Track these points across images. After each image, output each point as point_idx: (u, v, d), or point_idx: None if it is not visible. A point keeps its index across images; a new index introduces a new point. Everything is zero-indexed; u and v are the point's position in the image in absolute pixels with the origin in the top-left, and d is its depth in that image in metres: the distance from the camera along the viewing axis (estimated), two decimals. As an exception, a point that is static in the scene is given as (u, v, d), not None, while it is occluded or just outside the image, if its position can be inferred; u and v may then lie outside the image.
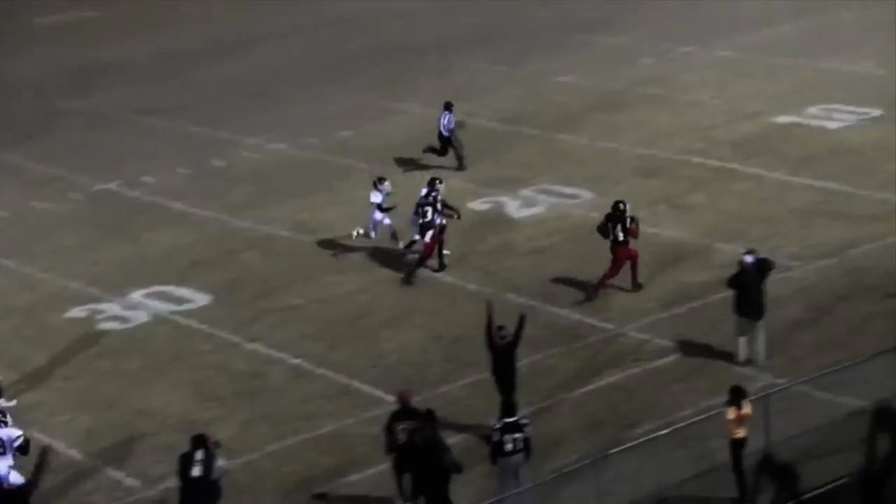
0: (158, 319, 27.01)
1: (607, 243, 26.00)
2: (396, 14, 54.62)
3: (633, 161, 33.91)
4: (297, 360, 24.71)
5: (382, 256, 29.00)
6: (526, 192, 32.37)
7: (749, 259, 23.19)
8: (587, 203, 31.24)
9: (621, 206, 26.13)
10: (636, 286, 26.36)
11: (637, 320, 25.08)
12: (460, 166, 34.07)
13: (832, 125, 35.34)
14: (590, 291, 26.25)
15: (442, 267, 28.07)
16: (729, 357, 23.05)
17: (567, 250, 28.69)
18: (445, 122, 34.23)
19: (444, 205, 28.21)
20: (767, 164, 32.76)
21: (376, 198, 29.07)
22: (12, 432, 19.82)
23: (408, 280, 27.74)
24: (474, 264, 28.36)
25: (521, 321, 21.06)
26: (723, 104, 37.76)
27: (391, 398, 20.94)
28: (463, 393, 22.66)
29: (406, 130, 38.08)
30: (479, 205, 31.67)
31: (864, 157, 32.64)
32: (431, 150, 34.42)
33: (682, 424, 19.96)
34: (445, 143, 34.29)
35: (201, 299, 27.73)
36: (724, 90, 39.19)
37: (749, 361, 22.86)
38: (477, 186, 32.86)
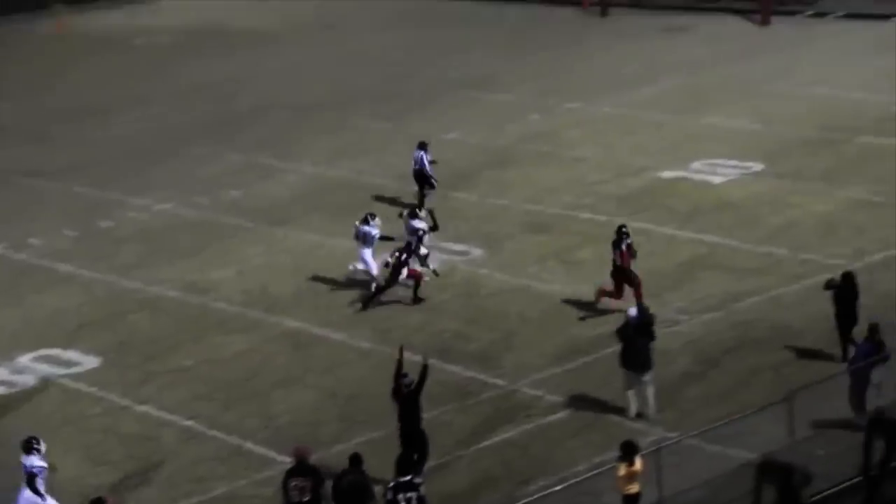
0: (46, 383, 26.64)
1: (496, 298, 26.21)
2: (280, 72, 54.73)
3: (523, 217, 34.19)
4: (188, 422, 24.48)
5: (275, 314, 28.92)
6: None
7: (633, 312, 23.53)
8: (477, 259, 31.44)
9: (623, 229, 27.55)
10: (603, 295, 27.63)
11: (529, 376, 25.20)
12: (420, 204, 33.78)
13: (716, 179, 35.91)
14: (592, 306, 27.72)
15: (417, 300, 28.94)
16: (621, 411, 23.24)
17: (458, 307, 28.81)
18: (419, 158, 34.97)
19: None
20: (654, 218, 33.20)
21: (374, 231, 29.71)
22: None
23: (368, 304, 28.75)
24: (366, 321, 28.36)
25: (425, 369, 21.19)
26: (609, 160, 38.25)
27: (284, 459, 20.82)
28: (358, 451, 22.55)
29: (295, 189, 38.11)
30: (362, 265, 31.62)
31: (747, 211, 33.21)
32: (420, 199, 34.53)
33: (576, 480, 20.08)
34: (422, 179, 34.91)
35: (90, 362, 27.40)
36: (610, 146, 39.71)
37: (640, 415, 23.07)
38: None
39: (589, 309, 27.89)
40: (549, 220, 33.81)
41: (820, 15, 58.20)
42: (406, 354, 21.52)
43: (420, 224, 30.08)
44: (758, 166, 36.61)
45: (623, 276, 27.45)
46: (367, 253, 29.77)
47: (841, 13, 57.91)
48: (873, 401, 21.75)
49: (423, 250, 29.67)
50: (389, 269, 29.00)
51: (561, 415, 23.64)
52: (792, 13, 58.76)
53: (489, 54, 54.95)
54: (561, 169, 38.02)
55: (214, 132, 45.52)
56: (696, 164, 37.09)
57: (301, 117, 46.63)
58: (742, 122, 41.19)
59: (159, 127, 46.84)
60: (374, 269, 29.62)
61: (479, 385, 25.00)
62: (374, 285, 29.46)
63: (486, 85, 49.35)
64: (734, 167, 36.68)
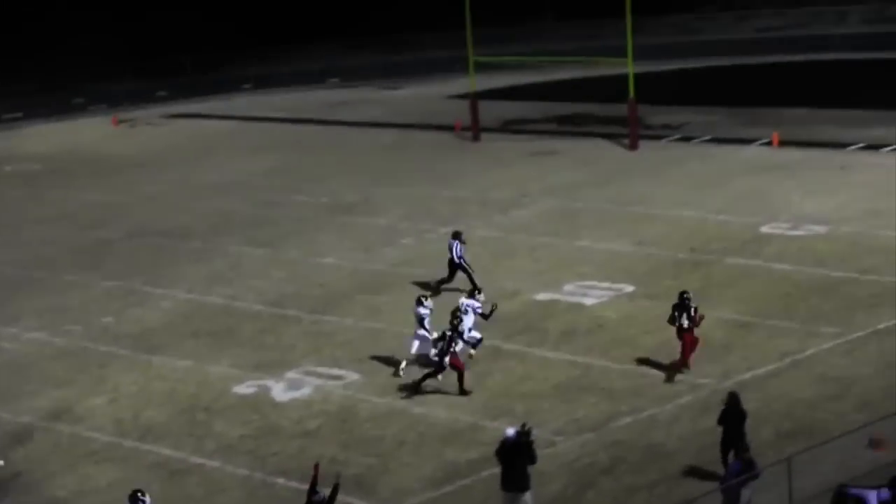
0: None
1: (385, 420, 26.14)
2: (151, 198, 54.57)
3: (399, 340, 34.18)
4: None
5: (149, 443, 28.55)
6: (291, 374, 32.35)
7: (510, 433, 23.64)
8: (354, 384, 31.39)
9: (686, 296, 30.10)
10: (684, 364, 30.12)
11: (407, 501, 25.11)
12: (474, 287, 35.02)
13: (589, 301, 36.33)
14: (669, 375, 29.96)
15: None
16: (499, 534, 23.24)
17: (334, 432, 28.69)
18: (456, 250, 37.53)
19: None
20: (529, 341, 33.45)
21: (424, 311, 31.69)
22: None
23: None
24: (242, 449, 28.11)
25: (336, 488, 21.20)
26: (484, 283, 38.42)
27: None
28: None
29: (169, 315, 37.84)
30: (244, 389, 31.52)
31: (620, 332, 33.61)
32: (442, 282, 37.66)
33: None
34: (455, 269, 37.54)
35: (-42, 495, 26.80)
36: (484, 269, 39.93)
37: (520, 537, 23.09)
38: (241, 371, 32.73)
39: (475, 432, 27.92)
40: (425, 344, 33.88)
41: (686, 139, 59.62)
42: (280, 481, 21.40)
43: (474, 303, 32.24)
44: (629, 288, 37.13)
45: (690, 336, 30.10)
46: (421, 332, 31.51)
47: (706, 137, 59.39)
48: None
49: (474, 333, 31.80)
50: (436, 355, 30.01)
51: (439, 539, 23.58)
52: (659, 137, 60.14)
53: (362, 179, 55.35)
54: (435, 293, 38.17)
55: (85, 259, 45.13)
56: (569, 287, 37.53)
57: (174, 243, 46.42)
58: (613, 244, 41.83)
59: (29, 255, 46.30)
60: (414, 348, 31.43)
61: (356, 511, 24.88)
62: (400, 364, 31.62)
63: (359, 209, 49.65)
64: (606, 289, 37.17)
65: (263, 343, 34.85)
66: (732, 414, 24.80)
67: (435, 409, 29.50)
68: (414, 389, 30.23)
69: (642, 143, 58.18)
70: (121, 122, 78.24)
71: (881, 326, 32.42)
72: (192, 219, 50.25)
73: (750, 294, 35.69)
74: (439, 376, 30.22)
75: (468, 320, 31.86)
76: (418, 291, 38.41)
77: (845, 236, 40.45)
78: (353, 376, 31.94)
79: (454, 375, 30.06)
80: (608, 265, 39.44)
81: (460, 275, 37.72)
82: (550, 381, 30.61)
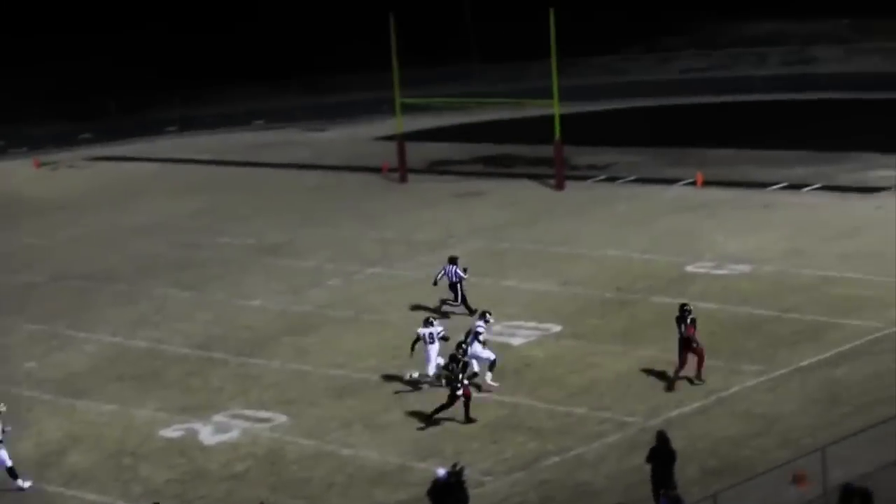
0: None
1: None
2: (74, 241, 54.19)
3: (327, 382, 34.17)
4: None
5: (73, 488, 28.26)
6: (219, 417, 32.18)
7: (441, 473, 23.64)
8: (282, 426, 31.26)
9: (685, 307, 31.75)
10: (699, 377, 31.63)
11: (335, 543, 25.06)
12: (468, 309, 38.04)
13: (516, 341, 36.42)
14: (668, 383, 31.49)
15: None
16: (428, 575, 23.19)
17: (263, 475, 28.55)
18: (453, 273, 38.87)
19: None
20: (456, 381, 33.45)
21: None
22: None
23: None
24: (169, 493, 27.90)
25: None
26: (411, 324, 38.43)
27: None
28: None
29: (93, 359, 37.55)
30: (170, 432, 31.30)
31: (547, 371, 33.73)
32: (446, 301, 38.89)
33: None
34: (457, 290, 38.80)
35: None
36: (412, 310, 40.02)
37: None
38: (168, 414, 32.51)
39: (403, 473, 27.88)
40: (354, 385, 33.85)
41: (611, 179, 60.07)
42: None
43: (481, 325, 33.08)
44: (556, 327, 37.27)
45: (688, 346, 31.50)
46: (432, 351, 32.57)
47: (631, 178, 59.86)
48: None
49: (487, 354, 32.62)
50: (448, 387, 30.39)
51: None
52: (585, 178, 60.54)
53: (288, 220, 55.28)
54: (364, 333, 38.21)
55: (8, 303, 44.71)
56: (497, 327, 37.55)
57: (98, 286, 46.08)
58: (539, 284, 42.00)
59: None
60: (432, 368, 32.38)
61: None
62: (417, 381, 32.97)
63: (285, 251, 49.55)
64: (533, 329, 37.29)
65: (190, 386, 34.64)
66: (661, 452, 24.93)
67: (363, 450, 29.44)
68: (428, 421, 30.41)
69: (568, 184, 58.54)
70: (42, 164, 77.67)
71: (803, 364, 32.77)
72: (117, 261, 49.92)
73: (675, 333, 35.88)
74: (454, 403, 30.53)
75: (477, 345, 32.71)
76: (346, 331, 38.47)
77: (768, 275, 40.87)
78: (280, 418, 31.82)
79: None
80: (535, 305, 39.59)
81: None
82: (479, 422, 30.62)
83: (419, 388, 32.87)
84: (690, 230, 48.10)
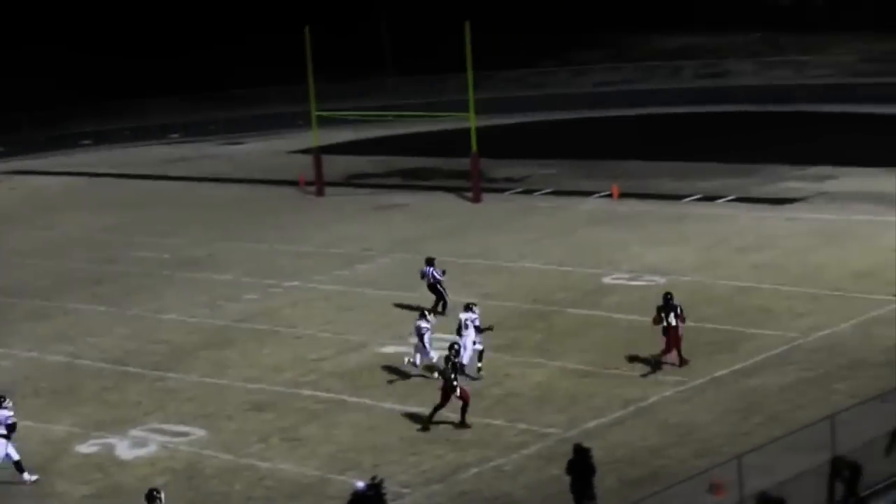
0: None
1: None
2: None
3: (244, 396, 34.03)
4: None
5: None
6: (136, 432, 31.95)
7: (360, 486, 23.62)
8: (199, 441, 31.09)
9: (669, 296, 33.19)
10: (682, 362, 33.26)
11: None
12: (443, 311, 39.03)
13: (434, 354, 36.31)
14: (654, 365, 33.23)
15: None
16: (348, 588, 23.15)
17: (181, 489, 28.36)
18: (431, 275, 39.83)
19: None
20: (375, 393, 33.48)
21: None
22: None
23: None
24: (86, 509, 27.70)
25: None
26: (330, 337, 38.53)
27: None
28: None
29: (9, 374, 37.14)
30: (87, 447, 31.04)
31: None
32: (436, 308, 38.85)
33: None
34: (437, 293, 39.75)
35: None
36: (330, 323, 40.02)
37: (368, 591, 23.03)
38: (84, 429, 32.23)
39: (323, 486, 27.80)
40: (271, 398, 33.74)
41: (528, 192, 60.36)
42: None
43: (470, 315, 34.08)
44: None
45: (675, 333, 33.04)
46: (426, 342, 33.80)
47: (548, 190, 60.20)
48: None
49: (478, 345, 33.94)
50: (440, 390, 30.69)
51: None
52: (502, 190, 60.80)
53: (205, 234, 55.02)
54: (281, 347, 38.10)
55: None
56: (414, 339, 37.61)
57: (12, 301, 45.58)
58: (457, 296, 42.00)
59: None
60: (433, 356, 33.75)
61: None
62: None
63: (203, 265, 49.30)
64: (451, 341, 37.23)
65: (107, 401, 34.37)
66: (580, 464, 25.06)
67: (282, 463, 29.36)
68: (426, 423, 30.64)
69: (485, 196, 58.76)
70: (-45, 179, 76.75)
71: (719, 374, 33.11)
72: (32, 276, 49.42)
73: (593, 344, 36.20)
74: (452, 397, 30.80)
75: (471, 334, 33.92)
76: (264, 345, 38.39)
77: (684, 286, 41.21)
78: (198, 432, 31.65)
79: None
80: (452, 317, 39.55)
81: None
82: (398, 434, 30.66)
83: (411, 377, 34.14)
84: (607, 242, 48.45)
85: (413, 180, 65.86)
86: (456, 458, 29.02)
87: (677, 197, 56.33)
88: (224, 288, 45.45)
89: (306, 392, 33.99)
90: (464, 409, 30.58)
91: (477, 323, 34.11)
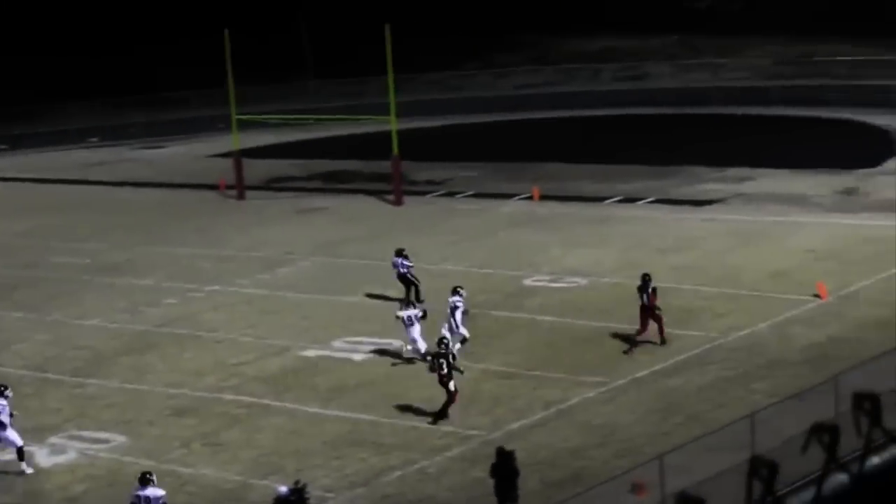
0: None
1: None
2: None
3: (165, 401, 33.82)
4: None
5: None
6: (54, 439, 31.66)
7: (283, 490, 23.59)
8: (120, 447, 30.86)
9: (647, 277, 34.96)
10: (662, 341, 34.80)
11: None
12: (417, 297, 39.35)
13: (357, 357, 36.44)
14: (631, 343, 34.75)
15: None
16: (272, 593, 23.09)
17: (102, 496, 28.15)
18: (401, 266, 40.54)
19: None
20: (298, 397, 33.39)
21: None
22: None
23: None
24: (5, 518, 27.42)
25: None
26: (252, 341, 38.37)
27: None
28: None
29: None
30: (5, 454, 30.66)
31: (389, 387, 33.79)
32: (407, 299, 38.21)
33: None
34: (408, 282, 40.38)
35: None
36: (251, 327, 39.87)
37: None
38: (3, 437, 31.89)
39: (245, 491, 27.68)
40: (193, 403, 33.55)
41: (449, 194, 60.49)
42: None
43: (457, 299, 34.94)
44: (397, 342, 37.18)
45: (650, 313, 34.62)
46: (414, 331, 34.56)
47: (469, 192, 60.35)
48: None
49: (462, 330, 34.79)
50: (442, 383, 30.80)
51: None
52: (423, 193, 60.89)
53: (125, 239, 54.63)
54: (202, 351, 37.90)
55: None
56: (338, 343, 37.63)
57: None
58: (380, 300, 42.08)
59: None
60: (423, 346, 34.38)
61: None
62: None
63: (122, 270, 48.94)
64: (375, 344, 37.33)
65: (26, 408, 33.94)
66: (503, 467, 25.16)
67: (204, 468, 29.21)
68: (437, 418, 30.76)
69: (407, 199, 58.81)
70: None
71: (640, 374, 33.34)
72: (-52, 282, 48.85)
73: (515, 346, 36.32)
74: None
75: (458, 316, 34.86)
76: (184, 349, 38.19)
77: (605, 287, 41.51)
78: (119, 439, 31.42)
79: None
80: (376, 320, 39.64)
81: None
82: (320, 438, 30.60)
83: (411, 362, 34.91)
84: (528, 244, 48.65)
85: (334, 183, 65.79)
86: (379, 461, 29.02)
87: (598, 199, 56.68)
88: (145, 293, 45.15)
89: (228, 396, 33.84)
90: (449, 404, 30.83)
91: (463, 306, 35.05)
